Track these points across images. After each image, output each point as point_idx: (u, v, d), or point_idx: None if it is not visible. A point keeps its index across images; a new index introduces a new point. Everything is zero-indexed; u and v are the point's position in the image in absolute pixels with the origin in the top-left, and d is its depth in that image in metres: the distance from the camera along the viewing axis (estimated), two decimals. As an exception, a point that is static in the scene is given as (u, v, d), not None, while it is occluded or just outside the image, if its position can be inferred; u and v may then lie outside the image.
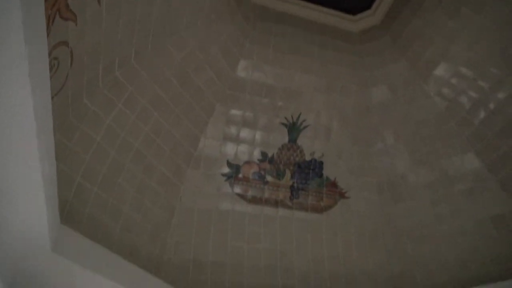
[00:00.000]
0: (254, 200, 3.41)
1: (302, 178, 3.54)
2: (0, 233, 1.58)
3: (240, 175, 3.41)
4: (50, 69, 1.66)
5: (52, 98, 1.69)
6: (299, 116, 3.52)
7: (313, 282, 3.27)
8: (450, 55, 3.33)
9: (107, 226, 2.61)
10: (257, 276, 3.17)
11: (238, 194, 3.38)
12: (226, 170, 3.40)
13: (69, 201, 2.31)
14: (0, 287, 1.72)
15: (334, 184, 3.61)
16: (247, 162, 3.43)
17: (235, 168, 3.42)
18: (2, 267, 1.67)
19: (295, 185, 3.52)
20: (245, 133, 3.45)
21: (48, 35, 1.54)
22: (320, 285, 3.29)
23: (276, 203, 3.46)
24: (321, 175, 3.58)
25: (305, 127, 3.53)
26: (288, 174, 3.51)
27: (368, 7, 3.67)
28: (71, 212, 2.30)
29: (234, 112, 3.42)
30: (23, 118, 1.37)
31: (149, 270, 2.75)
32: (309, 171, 3.55)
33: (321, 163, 3.58)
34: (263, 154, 3.47)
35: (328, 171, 3.59)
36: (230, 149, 3.42)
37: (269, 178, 3.46)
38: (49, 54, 1.65)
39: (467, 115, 3.42)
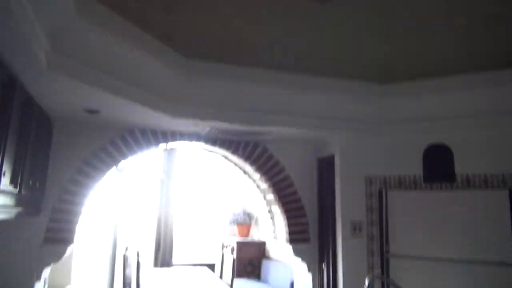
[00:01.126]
0: (260, -17, 3.50)
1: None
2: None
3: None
4: None
5: None
6: None
7: (306, 62, 3.73)
8: None
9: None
10: (256, 53, 3.60)
11: (245, -24, 3.45)
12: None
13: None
14: (43, 41, 2.19)
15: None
16: None
17: None
18: (43, 24, 2.09)
19: (302, -30, 3.51)
20: None
21: None
22: (312, 65, 3.77)
23: (281, -12, 3.55)
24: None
25: None
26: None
27: None
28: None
29: None
30: None
31: (162, 41, 3.18)
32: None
33: None
34: None
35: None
36: None
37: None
38: None
39: None
